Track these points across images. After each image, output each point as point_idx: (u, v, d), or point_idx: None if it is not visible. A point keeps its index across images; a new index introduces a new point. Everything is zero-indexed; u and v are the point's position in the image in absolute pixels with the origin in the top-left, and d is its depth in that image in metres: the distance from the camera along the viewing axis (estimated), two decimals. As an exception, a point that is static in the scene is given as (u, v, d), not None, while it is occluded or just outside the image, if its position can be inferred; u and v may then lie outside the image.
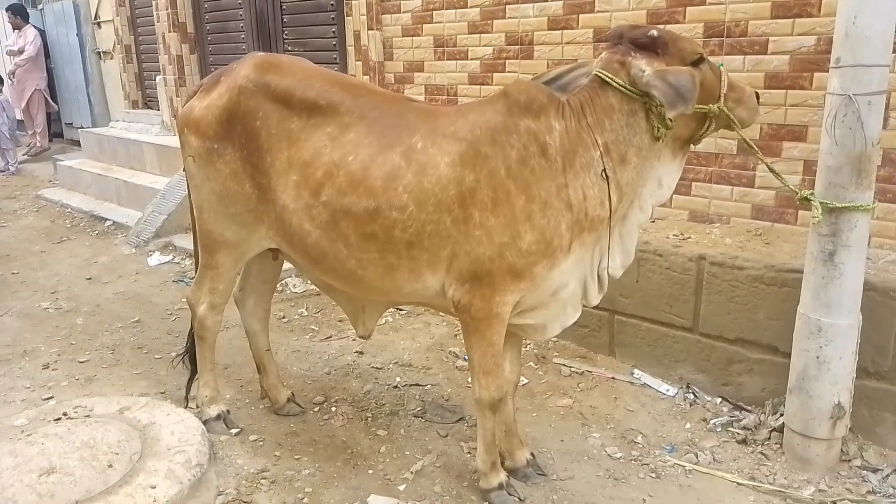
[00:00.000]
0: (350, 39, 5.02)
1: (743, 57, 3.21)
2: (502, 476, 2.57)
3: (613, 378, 3.36)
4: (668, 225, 3.50)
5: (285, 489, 2.63)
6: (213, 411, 2.98)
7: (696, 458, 2.77)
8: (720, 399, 3.11)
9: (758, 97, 2.35)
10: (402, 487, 2.65)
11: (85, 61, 9.31)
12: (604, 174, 2.23)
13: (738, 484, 2.62)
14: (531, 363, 3.55)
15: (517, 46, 4.09)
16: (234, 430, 2.97)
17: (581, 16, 3.77)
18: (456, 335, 3.86)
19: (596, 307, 3.41)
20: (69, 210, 6.99)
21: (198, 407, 3.03)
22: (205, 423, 2.93)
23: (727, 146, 3.35)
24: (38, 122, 9.84)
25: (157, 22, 7.00)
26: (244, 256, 2.78)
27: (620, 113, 2.21)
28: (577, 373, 3.44)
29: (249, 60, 2.57)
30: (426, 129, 2.32)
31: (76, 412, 2.94)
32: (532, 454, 2.74)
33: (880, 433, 2.70)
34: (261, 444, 2.92)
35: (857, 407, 2.69)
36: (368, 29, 4.86)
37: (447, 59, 4.50)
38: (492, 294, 2.29)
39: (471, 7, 4.27)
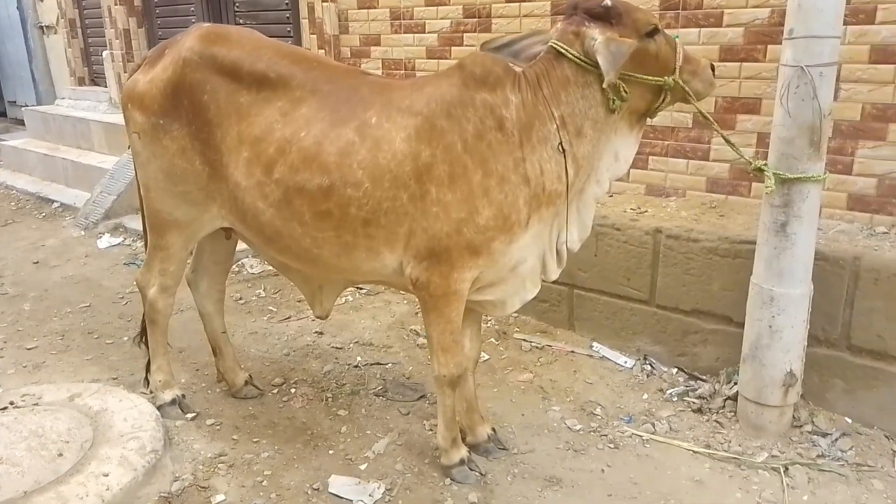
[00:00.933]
0: (304, 12, 4.89)
1: (698, 30, 3.21)
2: (463, 452, 2.57)
3: (573, 352, 3.39)
4: (626, 199, 3.52)
5: (244, 473, 2.59)
6: (167, 396, 2.91)
7: (654, 427, 2.81)
8: (676, 370, 3.16)
9: (713, 69, 2.34)
10: (363, 467, 2.64)
11: (27, 36, 8.91)
12: (560, 147, 2.21)
13: (695, 452, 2.67)
14: (492, 339, 3.55)
15: (475, 19, 4.03)
16: (189, 415, 2.91)
17: (544, -11, 3.72)
18: (416, 313, 3.83)
19: (555, 282, 3.42)
20: (14, 192, 6.72)
21: (151, 392, 2.96)
22: (159, 408, 2.86)
23: (683, 120, 3.36)
24: (-22, 100, 9.43)
25: (102, -6, 6.72)
26: (195, 236, 2.70)
27: (576, 85, 2.18)
28: (537, 347, 3.45)
29: (195, 31, 2.47)
30: (381, 104, 2.27)
31: (24, 401, 2.84)
32: (493, 429, 2.75)
33: (830, 399, 2.77)
34: (218, 428, 2.87)
35: (808, 374, 2.75)
36: (322, 1, 4.73)
37: (404, 33, 4.41)
38: (450, 271, 2.26)
39: (425, -21, 4.19)
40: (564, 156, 2.21)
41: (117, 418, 2.71)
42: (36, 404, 2.81)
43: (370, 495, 2.48)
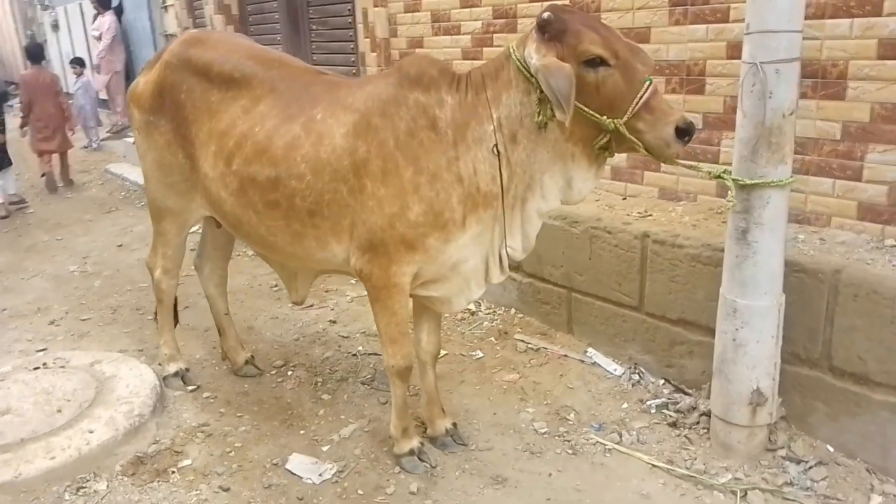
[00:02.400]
0: (360, 16, 5.12)
1: (706, 26, 3.05)
2: (414, 442, 2.63)
3: (565, 356, 3.33)
4: (637, 202, 3.40)
5: (217, 443, 2.80)
6: (171, 368, 3.20)
7: (620, 437, 2.72)
8: (663, 381, 3.02)
9: (685, 131, 2.00)
10: (325, 448, 2.77)
11: (155, 43, 9.89)
12: (495, 149, 2.21)
13: (653, 466, 2.56)
14: (492, 338, 3.57)
15: (503, 20, 4.05)
16: (190, 388, 3.18)
17: (559, -14, 3.68)
18: (430, 308, 3.92)
19: (554, 284, 3.42)
20: (127, 183, 7.51)
21: (160, 364, 3.26)
22: (164, 379, 3.16)
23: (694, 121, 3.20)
24: (117, 102, 10.52)
25: (206, 5, 7.35)
26: (187, 223, 2.96)
27: (516, 90, 2.17)
28: (532, 349, 3.43)
29: (180, 37, 2.72)
30: (327, 101, 2.39)
31: (54, 363, 3.24)
32: (454, 424, 2.78)
33: (812, 423, 2.55)
34: (211, 401, 3.11)
35: (790, 395, 2.56)
36: (374, 6, 4.92)
37: (443, 35, 4.50)
38: (388, 264, 2.33)
39: (462, -18, 4.26)
40: (499, 158, 2.21)
41: (121, 384, 3.02)
42: (62, 367, 3.20)
43: (320, 475, 2.60)
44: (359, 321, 3.87)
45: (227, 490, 2.54)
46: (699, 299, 2.81)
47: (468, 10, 4.26)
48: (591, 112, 2.05)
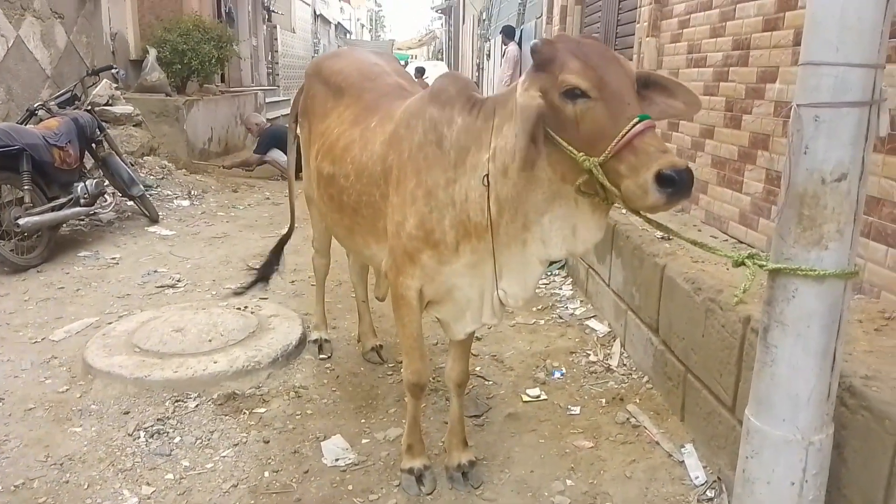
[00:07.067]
0: (636, 47, 4.91)
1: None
2: (417, 462, 2.60)
3: (657, 443, 2.78)
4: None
5: (297, 405, 3.16)
6: (312, 336, 3.69)
7: (627, 550, 2.23)
8: (735, 510, 2.32)
9: (670, 181, 1.60)
10: (364, 441, 2.91)
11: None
12: (486, 181, 2.08)
13: None
14: (603, 400, 3.17)
15: (738, 52, 3.49)
16: (321, 356, 3.61)
17: (787, 14, 3.04)
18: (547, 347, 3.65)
19: (676, 357, 2.96)
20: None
21: (309, 329, 3.78)
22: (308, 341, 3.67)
23: (889, 189, 2.36)
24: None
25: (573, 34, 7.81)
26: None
27: (514, 122, 2.01)
28: (632, 425, 2.94)
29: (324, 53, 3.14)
30: (384, 111, 2.54)
31: (252, 309, 4.02)
32: (471, 462, 2.64)
33: None
34: (326, 370, 3.49)
35: (843, 585, 1.76)
36: (647, 36, 4.68)
37: (693, 67, 4.06)
38: (397, 273, 2.38)
39: (714, 8, 3.79)
40: (488, 190, 2.08)
41: (268, 336, 3.61)
42: (252, 312, 3.95)
43: (336, 460, 2.77)
44: (503, 344, 3.81)
45: (266, 442, 2.87)
46: (780, 418, 2.10)
47: (713, 40, 3.78)
48: (569, 148, 1.80)
